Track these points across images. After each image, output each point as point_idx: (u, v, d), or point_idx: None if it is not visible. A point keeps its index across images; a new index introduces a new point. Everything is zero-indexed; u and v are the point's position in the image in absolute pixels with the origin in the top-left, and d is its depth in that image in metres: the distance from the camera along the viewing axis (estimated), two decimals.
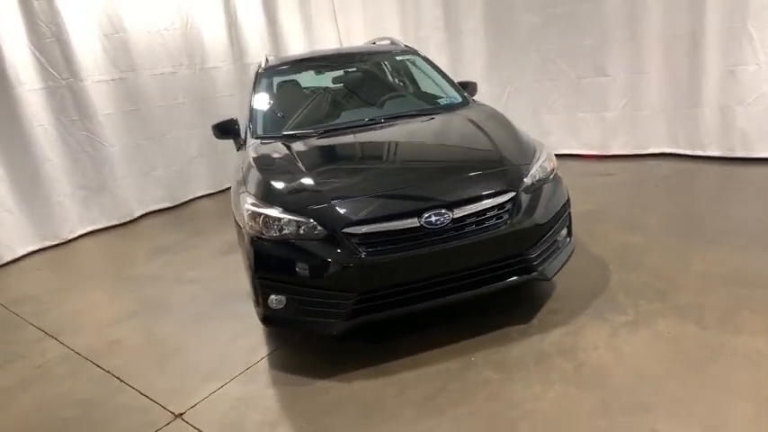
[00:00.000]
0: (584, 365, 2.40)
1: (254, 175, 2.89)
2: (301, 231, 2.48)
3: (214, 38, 6.56)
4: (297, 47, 7.37)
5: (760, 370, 2.21)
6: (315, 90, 4.06)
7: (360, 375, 2.55)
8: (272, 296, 2.56)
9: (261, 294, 2.59)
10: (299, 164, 2.90)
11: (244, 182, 2.90)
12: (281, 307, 2.56)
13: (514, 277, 2.60)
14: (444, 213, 2.44)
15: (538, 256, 2.62)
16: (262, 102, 3.89)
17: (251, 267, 2.59)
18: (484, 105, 3.69)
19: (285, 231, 2.51)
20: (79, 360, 3.13)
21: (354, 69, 4.22)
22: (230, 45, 6.71)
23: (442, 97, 3.82)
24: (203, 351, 3.03)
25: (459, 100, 3.73)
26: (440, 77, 4.00)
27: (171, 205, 6.33)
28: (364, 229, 2.41)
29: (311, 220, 2.47)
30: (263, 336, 3.06)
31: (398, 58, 4.24)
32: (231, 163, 6.63)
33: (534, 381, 2.34)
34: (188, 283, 4.02)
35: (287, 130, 3.49)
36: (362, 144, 3.27)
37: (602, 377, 2.31)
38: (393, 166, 2.95)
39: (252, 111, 3.74)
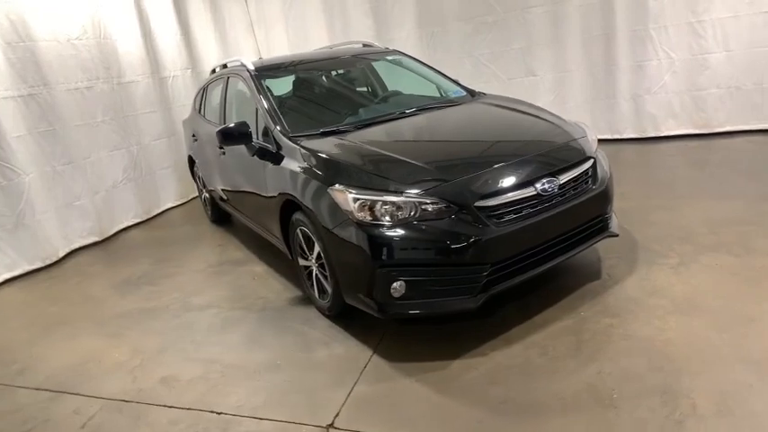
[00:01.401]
0: (675, 299, 2.77)
1: (345, 167, 2.79)
2: (428, 211, 2.48)
3: (129, 49, 5.91)
4: (213, 59, 6.96)
5: None
6: (328, 89, 3.97)
7: (492, 347, 2.61)
8: (395, 283, 2.49)
9: (382, 284, 2.50)
10: (386, 151, 2.87)
11: (326, 178, 2.76)
12: (402, 293, 2.51)
13: (598, 236, 2.90)
14: (554, 180, 2.64)
15: (609, 215, 2.96)
16: (277, 102, 3.66)
17: (368, 258, 2.49)
18: (497, 95, 3.98)
19: (407, 214, 2.48)
20: (135, 407, 2.64)
21: (353, 69, 4.22)
22: (147, 57, 6.10)
23: (450, 90, 4.01)
24: (303, 365, 2.78)
25: (464, 93, 3.97)
26: (437, 74, 4.20)
27: (99, 239, 5.51)
28: (493, 201, 2.50)
29: (437, 199, 2.48)
30: (352, 335, 2.92)
31: (389, 57, 4.34)
32: (162, 184, 6.08)
33: (648, 318, 2.64)
34: (204, 309, 3.60)
35: (326, 127, 3.37)
36: (428, 128, 3.33)
37: (695, 305, 2.70)
38: (480, 145, 3.04)
39: (270, 112, 3.52)
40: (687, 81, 5.48)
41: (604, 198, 2.88)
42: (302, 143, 3.17)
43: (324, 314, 3.17)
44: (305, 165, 2.98)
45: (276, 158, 3.28)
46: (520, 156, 2.75)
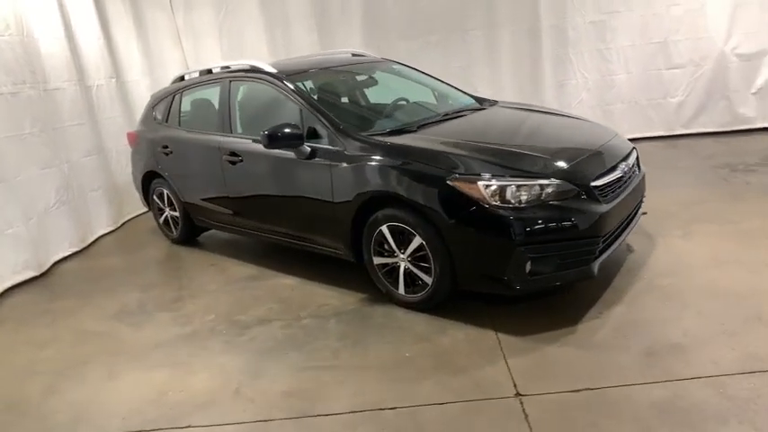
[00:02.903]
0: (705, 257, 3.42)
1: (462, 158, 2.93)
2: (553, 192, 2.75)
3: (52, 50, 5.09)
4: (136, 69, 6.30)
5: None
6: (354, 94, 3.98)
7: (598, 311, 2.95)
8: (528, 262, 2.71)
9: (518, 262, 2.70)
10: (483, 143, 3.09)
11: (443, 170, 2.87)
12: (531, 269, 2.73)
13: (640, 212, 3.46)
14: (627, 165, 3.12)
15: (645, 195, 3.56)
16: (324, 106, 3.58)
17: (506, 239, 2.67)
18: (508, 101, 4.43)
19: (535, 196, 2.72)
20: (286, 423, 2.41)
21: (369, 77, 4.28)
22: (72, 61, 5.31)
23: (460, 97, 4.32)
24: (433, 352, 2.79)
25: (473, 101, 4.32)
26: (441, 83, 4.49)
27: (37, 274, 4.60)
28: (601, 181, 2.88)
29: (561, 181, 2.77)
30: (459, 322, 3.01)
31: (394, 66, 4.51)
32: (93, 208, 5.33)
33: (695, 272, 3.24)
34: (264, 323, 3.32)
35: (389, 127, 3.43)
36: (490, 126, 3.62)
37: (724, 260, 3.34)
38: (550, 138, 3.41)
39: (324, 113, 3.46)
40: (599, 97, 6.61)
41: (644, 181, 3.47)
42: (386, 140, 3.21)
43: (411, 307, 3.20)
44: (403, 160, 3.03)
45: (347, 158, 3.25)
46: (594, 146, 3.19)
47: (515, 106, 4.14)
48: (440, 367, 2.67)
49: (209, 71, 4.52)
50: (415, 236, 3.02)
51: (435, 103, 4.26)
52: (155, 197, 5.05)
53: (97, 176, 5.61)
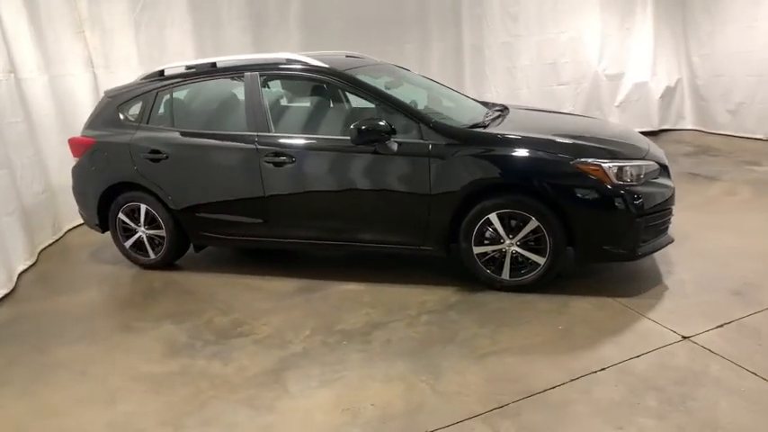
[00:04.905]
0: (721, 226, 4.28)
1: (583, 145, 3.29)
2: (652, 170, 3.27)
3: None
4: (30, 63, 5.05)
5: None
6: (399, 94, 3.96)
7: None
8: (642, 231, 3.17)
9: (637, 232, 3.14)
10: (573, 134, 3.49)
11: (567, 156, 3.16)
12: (642, 237, 3.20)
13: None
14: None
15: None
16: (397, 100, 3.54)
17: (629, 213, 3.07)
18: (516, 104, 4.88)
19: (641, 174, 3.19)
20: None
21: (393, 78, 4.26)
22: None
23: (470, 101, 4.62)
24: (582, 319, 3.02)
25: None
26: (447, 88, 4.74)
27: None
28: (665, 163, 3.48)
29: (653, 163, 3.30)
30: (570, 294, 3.29)
31: (401, 70, 4.59)
32: (8, 238, 4.44)
33: (715, 236, 4.08)
34: (373, 331, 3.11)
35: (461, 123, 3.57)
36: (544, 124, 4.01)
37: (732, 228, 4.19)
38: (606, 129, 4.07)
39: (405, 110, 3.45)
40: None
41: None
42: (497, 132, 3.45)
43: (513, 290, 3.36)
44: (524, 149, 3.24)
45: (449, 152, 3.29)
46: (633, 138, 3.81)
47: (529, 108, 4.61)
48: (599, 331, 2.92)
49: (214, 65, 3.99)
50: (530, 219, 3.22)
51: (453, 105, 4.49)
52: (121, 216, 4.16)
53: (10, 197, 4.37)
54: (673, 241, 3.41)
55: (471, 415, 2.35)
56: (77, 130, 4.41)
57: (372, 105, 3.57)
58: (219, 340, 3.14)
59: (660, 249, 3.37)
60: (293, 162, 3.58)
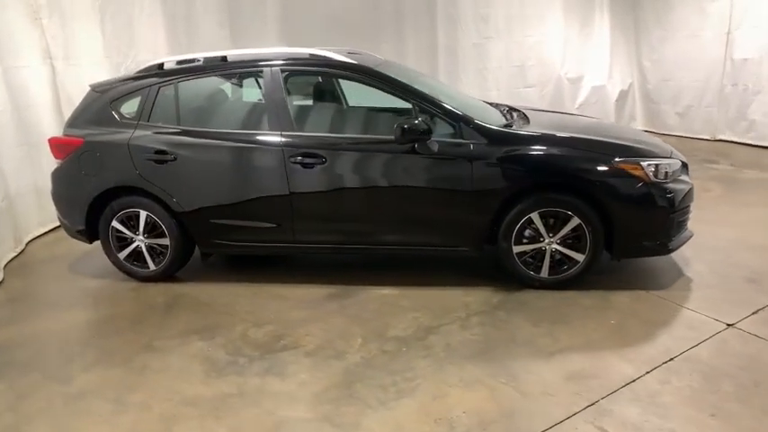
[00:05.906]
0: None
1: (622, 145, 3.40)
2: (679, 168, 3.41)
3: None
4: None
5: None
6: None
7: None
8: (675, 226, 3.33)
9: (671, 226, 3.30)
10: (603, 135, 3.57)
11: (608, 154, 3.25)
12: (673, 233, 3.36)
13: None
14: None
15: None
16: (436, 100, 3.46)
17: (666, 208, 3.22)
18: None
19: (671, 172, 3.33)
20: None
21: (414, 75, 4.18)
22: None
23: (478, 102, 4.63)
24: (629, 311, 3.12)
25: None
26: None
27: None
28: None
29: (678, 161, 3.46)
30: (603, 290, 3.39)
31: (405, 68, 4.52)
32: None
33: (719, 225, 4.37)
34: (427, 336, 3.04)
35: (492, 124, 3.52)
36: (578, 123, 4.25)
37: (726, 221, 4.49)
38: (624, 130, 4.43)
39: (442, 109, 3.38)
40: None
41: None
42: (539, 132, 3.47)
43: (551, 288, 3.40)
44: (567, 148, 3.30)
45: (491, 152, 3.28)
46: (648, 138, 3.99)
47: (535, 109, 4.69)
48: (649, 324, 3.03)
49: (224, 59, 3.70)
50: (572, 217, 3.27)
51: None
52: (115, 224, 3.76)
53: None
54: (693, 235, 3.61)
55: (569, 414, 2.34)
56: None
57: (408, 104, 3.46)
58: (265, 355, 2.91)
59: (684, 243, 3.55)
60: (324, 163, 3.41)
